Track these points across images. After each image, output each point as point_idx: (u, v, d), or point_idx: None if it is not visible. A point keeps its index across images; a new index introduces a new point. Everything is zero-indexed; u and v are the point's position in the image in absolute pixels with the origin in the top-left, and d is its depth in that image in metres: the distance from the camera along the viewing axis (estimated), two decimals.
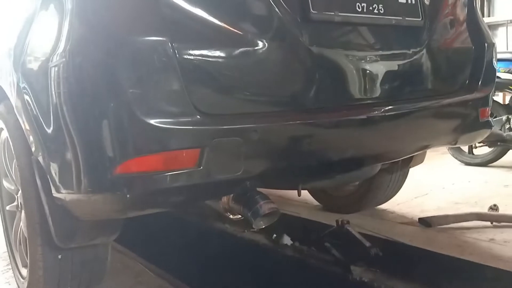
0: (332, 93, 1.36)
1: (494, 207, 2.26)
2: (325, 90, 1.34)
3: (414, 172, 2.52)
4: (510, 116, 3.43)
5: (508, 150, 3.50)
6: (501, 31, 6.25)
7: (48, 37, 1.21)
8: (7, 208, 1.82)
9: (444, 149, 3.88)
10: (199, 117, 1.11)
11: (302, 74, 1.31)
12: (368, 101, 1.42)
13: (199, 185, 1.14)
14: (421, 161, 2.34)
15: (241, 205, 1.30)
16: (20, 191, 1.57)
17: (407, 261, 1.92)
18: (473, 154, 3.76)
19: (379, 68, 1.44)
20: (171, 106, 1.09)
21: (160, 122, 1.06)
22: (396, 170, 2.35)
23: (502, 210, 2.28)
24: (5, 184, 1.83)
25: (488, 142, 3.49)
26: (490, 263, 1.75)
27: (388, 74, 1.47)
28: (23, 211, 1.57)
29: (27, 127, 1.36)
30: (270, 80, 1.26)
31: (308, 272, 2.08)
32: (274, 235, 2.45)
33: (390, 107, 1.45)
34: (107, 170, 1.09)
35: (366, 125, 1.40)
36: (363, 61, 1.41)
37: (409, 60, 1.53)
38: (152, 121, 1.06)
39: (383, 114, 1.41)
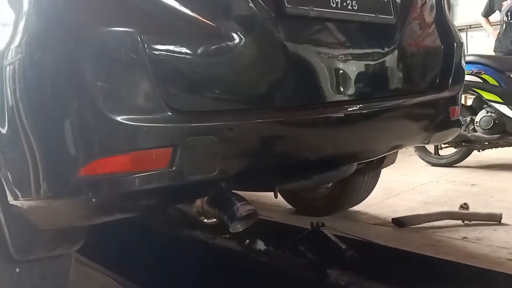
0: (308, 91, 1.32)
1: (464, 206, 2.29)
2: (300, 88, 1.30)
3: (384, 174, 2.52)
4: (473, 117, 3.53)
5: (473, 150, 3.60)
6: (461, 35, 6.47)
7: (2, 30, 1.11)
8: None
9: (411, 150, 3.95)
10: (170, 114, 1.03)
11: (278, 70, 1.27)
12: (343, 99, 1.39)
13: (172, 187, 1.06)
14: (393, 161, 2.35)
15: (217, 208, 1.22)
16: None
17: (384, 262, 1.90)
18: (439, 155, 3.84)
19: (353, 66, 1.41)
20: (140, 102, 1.01)
21: (128, 120, 0.98)
22: (369, 171, 2.35)
23: (472, 209, 2.31)
24: None
25: (454, 143, 3.58)
26: (465, 262, 1.75)
27: (362, 72, 1.45)
28: None
29: None
30: (245, 76, 1.20)
31: (283, 278, 2.03)
32: (247, 241, 2.39)
33: (363, 105, 1.42)
34: (70, 173, 0.99)
35: (341, 123, 1.37)
36: (338, 58, 1.38)
37: (382, 58, 1.52)
38: (119, 118, 0.97)
39: (357, 112, 1.39)
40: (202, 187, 1.16)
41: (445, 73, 1.76)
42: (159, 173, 1.03)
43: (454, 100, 1.77)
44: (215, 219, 1.31)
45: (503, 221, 2.19)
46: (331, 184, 2.61)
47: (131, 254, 2.25)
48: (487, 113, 3.37)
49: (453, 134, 1.85)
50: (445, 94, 1.74)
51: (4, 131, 1.12)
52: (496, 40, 4.47)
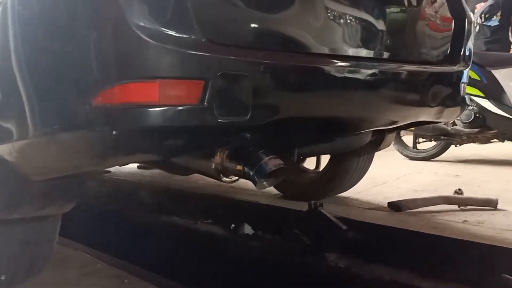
0: (340, 41, 1.21)
1: (459, 192, 2.26)
2: (333, 37, 1.19)
3: None
4: None
5: (451, 145, 3.64)
6: None
7: None
8: None
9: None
10: (203, 41, 0.89)
11: (316, 16, 1.15)
12: (373, 56, 1.31)
13: (201, 128, 0.91)
14: (389, 144, 2.29)
15: (241, 163, 1.07)
16: None
17: (388, 243, 1.81)
18: (417, 149, 3.87)
19: (387, 24, 1.34)
20: (171, 21, 0.86)
21: (156, 38, 0.82)
22: (364, 153, 2.28)
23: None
24: None
25: (433, 136, 3.61)
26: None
27: (394, 32, 1.39)
28: None
29: None
30: (283, 17, 1.08)
31: (275, 263, 1.90)
32: (233, 225, 2.25)
33: (391, 66, 1.34)
34: (83, 100, 0.82)
35: (368, 81, 1.28)
36: (373, 14, 1.29)
37: (407, 19, 1.45)
38: (145, 35, 0.81)
39: (386, 71, 1.31)
40: (231, 133, 1.02)
41: (456, 47, 1.73)
42: (188, 109, 0.88)
43: (463, 76, 1.74)
44: (235, 177, 1.16)
45: (498, 207, 2.17)
46: (322, 168, 2.54)
47: (110, 235, 2.06)
48: (468, 107, 3.41)
49: (460, 112, 1.82)
50: (456, 68, 1.70)
51: None
52: None
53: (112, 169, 3.57)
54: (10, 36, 0.93)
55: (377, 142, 2.16)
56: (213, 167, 1.09)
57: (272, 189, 2.74)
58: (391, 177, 3.08)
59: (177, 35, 0.86)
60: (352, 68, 1.20)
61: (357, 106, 1.24)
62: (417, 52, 1.58)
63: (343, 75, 1.19)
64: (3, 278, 1.21)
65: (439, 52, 1.70)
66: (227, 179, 1.14)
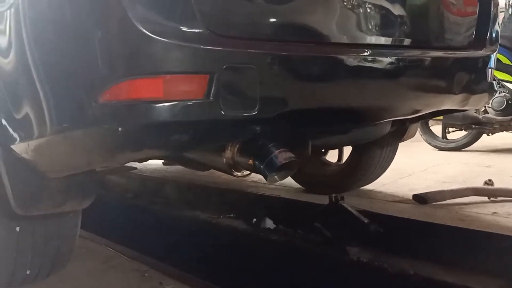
0: (352, 29, 1.18)
1: (489, 182, 2.18)
2: (345, 25, 1.16)
3: None
4: None
5: (483, 133, 3.51)
6: None
7: None
8: None
9: (415, 136, 3.84)
10: (207, 34, 0.88)
11: (325, 4, 1.12)
12: (389, 44, 1.27)
13: (208, 122, 0.91)
14: (413, 134, 2.23)
15: (251, 156, 1.07)
16: None
17: (412, 236, 1.77)
18: (447, 138, 3.74)
19: (401, 9, 1.29)
20: (175, 16, 0.86)
21: (159, 34, 0.83)
22: (387, 144, 2.22)
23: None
24: None
25: (463, 125, 3.48)
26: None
27: (409, 17, 1.34)
28: None
29: None
30: (290, 6, 1.05)
31: (297, 257, 1.89)
32: (254, 219, 2.25)
33: (408, 53, 1.30)
34: (90, 97, 0.83)
35: (384, 70, 1.23)
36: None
37: (428, 3, 1.39)
38: (149, 31, 0.81)
39: (402, 59, 1.26)
40: (238, 127, 1.02)
41: (482, 31, 1.65)
42: (194, 104, 0.88)
43: (490, 60, 1.66)
44: (247, 171, 1.15)
45: None
46: (344, 160, 2.50)
47: (134, 230, 2.11)
48: (500, 93, 3.27)
49: (487, 99, 1.74)
50: (482, 52, 1.63)
51: (8, 58, 0.95)
52: (502, 24, 4.40)
53: (138, 166, 3.65)
54: (24, 37, 0.95)
55: (400, 132, 2.11)
56: (224, 161, 1.09)
57: (294, 183, 2.73)
58: (418, 169, 2.99)
59: (180, 29, 0.86)
60: (365, 56, 1.17)
61: (373, 96, 1.21)
62: (439, 37, 1.53)
63: (355, 64, 1.16)
64: (28, 272, 1.26)
65: (463, 36, 1.63)
66: (239, 174, 1.14)
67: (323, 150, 2.55)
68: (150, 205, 2.74)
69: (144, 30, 0.82)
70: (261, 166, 1.05)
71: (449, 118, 3.52)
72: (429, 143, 3.79)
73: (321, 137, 1.35)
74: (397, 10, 1.31)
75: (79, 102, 0.87)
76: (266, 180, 1.08)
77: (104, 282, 1.43)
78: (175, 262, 1.62)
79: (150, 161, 3.48)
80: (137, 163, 3.57)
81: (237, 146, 1.08)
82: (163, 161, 3.44)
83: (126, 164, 3.36)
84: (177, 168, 3.61)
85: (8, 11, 0.98)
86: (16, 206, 1.09)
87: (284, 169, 1.07)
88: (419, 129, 3.80)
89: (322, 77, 1.09)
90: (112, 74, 0.83)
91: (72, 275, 1.43)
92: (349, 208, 1.97)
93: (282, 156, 1.05)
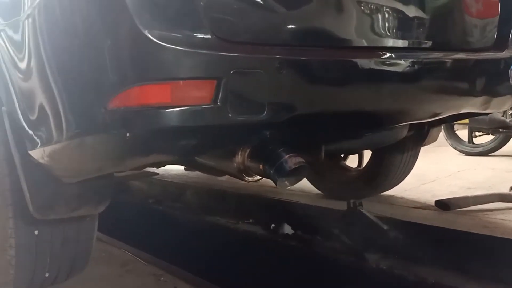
0: (364, 32, 1.16)
1: None
2: (356, 28, 1.15)
3: None
4: None
5: (511, 138, 3.38)
6: None
7: None
8: None
9: (441, 140, 3.75)
10: (214, 40, 0.89)
11: (334, 7, 1.11)
12: (402, 46, 1.24)
13: (215, 127, 0.92)
14: (435, 139, 2.17)
15: (261, 162, 1.06)
16: None
17: (432, 243, 1.72)
18: (473, 143, 3.63)
19: (414, 11, 1.26)
20: (181, 22, 0.87)
21: (166, 41, 0.84)
22: (408, 149, 2.17)
23: None
24: None
25: (490, 129, 3.37)
26: None
27: (423, 18, 1.30)
28: None
29: None
30: (298, 10, 1.05)
31: (315, 264, 1.87)
32: (273, 225, 2.24)
33: (424, 55, 1.27)
34: (99, 104, 0.85)
35: (399, 72, 1.21)
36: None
37: (445, 5, 1.36)
38: (156, 38, 0.83)
39: (417, 61, 1.23)
40: (246, 132, 1.02)
41: (504, 31, 1.60)
42: (201, 109, 0.88)
43: None
44: (258, 177, 1.15)
45: None
46: (363, 165, 2.46)
47: (152, 234, 2.13)
48: None
49: (511, 102, 1.68)
50: (504, 54, 1.58)
51: (22, 65, 0.99)
52: None
53: (160, 171, 3.71)
54: (41, 46, 0.99)
55: (421, 137, 2.06)
56: (234, 166, 1.09)
57: (313, 189, 2.70)
58: (442, 174, 2.92)
59: (187, 35, 0.87)
60: (379, 60, 1.15)
61: (387, 100, 1.18)
62: (459, 38, 1.49)
63: (368, 68, 1.14)
64: (47, 275, 1.30)
65: (484, 37, 1.58)
66: (250, 179, 1.14)
67: (342, 155, 2.53)
68: (170, 210, 2.78)
69: (152, 37, 0.83)
70: (271, 171, 1.04)
71: (475, 122, 3.42)
72: (455, 148, 3.69)
73: (334, 142, 1.33)
74: (413, 11, 1.28)
75: (90, 109, 0.89)
76: (276, 185, 1.07)
77: (119, 285, 1.45)
78: (191, 267, 1.63)
79: (172, 167, 3.54)
80: (158, 168, 3.63)
81: (248, 151, 1.08)
82: (184, 166, 3.49)
83: (147, 170, 3.43)
84: (198, 173, 3.63)
85: (26, 20, 1.02)
86: (34, 210, 1.12)
87: (294, 174, 1.06)
88: (444, 133, 3.71)
89: (332, 82, 1.08)
90: (121, 80, 0.85)
91: (90, 278, 1.46)
92: (368, 214, 1.93)
93: (292, 161, 1.04)
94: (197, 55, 0.87)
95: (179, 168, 3.60)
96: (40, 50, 0.99)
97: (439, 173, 2.95)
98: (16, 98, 1.06)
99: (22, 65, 1.05)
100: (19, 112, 1.06)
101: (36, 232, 1.21)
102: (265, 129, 1.05)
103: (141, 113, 0.86)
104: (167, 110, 0.86)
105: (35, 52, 1.00)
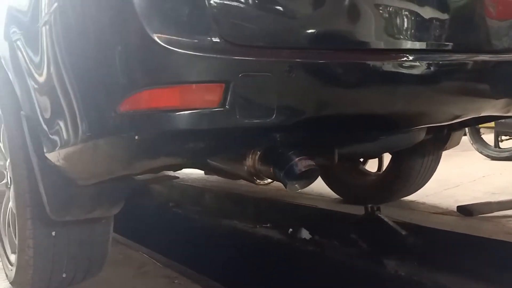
0: (377, 33, 1.14)
1: None
2: (368, 28, 1.13)
3: (438, 167, 2.29)
4: None
5: None
6: None
7: None
8: None
9: (466, 145, 3.65)
10: (222, 44, 0.89)
11: (345, 8, 1.10)
12: (419, 48, 1.21)
13: (223, 130, 0.92)
14: (457, 142, 2.11)
15: (271, 165, 1.06)
16: (8, 161, 1.35)
17: (452, 250, 1.67)
18: (499, 147, 3.52)
19: (431, 10, 1.23)
20: (189, 26, 0.88)
21: (174, 45, 0.85)
22: (428, 153, 2.12)
23: None
24: None
25: None
26: None
27: (440, 18, 1.26)
28: (12, 186, 1.35)
29: (15, 77, 1.16)
30: (307, 12, 1.04)
31: (332, 269, 1.85)
32: (290, 230, 2.23)
33: (440, 56, 1.23)
34: (109, 107, 0.87)
35: (415, 74, 1.18)
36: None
37: (466, 6, 1.32)
38: (165, 43, 0.84)
39: (433, 63, 1.20)
40: (256, 135, 1.01)
41: None
42: (210, 113, 0.89)
43: None
44: (269, 180, 1.15)
45: None
46: (384, 169, 2.42)
47: (170, 237, 2.15)
48: None
49: None
50: None
51: (39, 71, 1.02)
52: None
53: (180, 175, 3.75)
54: (57, 51, 1.02)
55: (441, 140, 2.01)
56: (245, 169, 1.09)
57: (332, 194, 2.68)
58: (466, 179, 2.84)
59: (195, 39, 0.88)
60: (396, 62, 1.12)
61: (402, 103, 1.15)
62: (478, 40, 1.44)
63: (381, 70, 1.12)
64: (64, 275, 1.33)
65: (506, 39, 1.53)
66: (262, 182, 1.13)
67: (361, 160, 2.49)
68: (189, 213, 2.80)
69: (160, 42, 0.84)
70: (281, 174, 1.04)
71: (501, 125, 3.32)
72: (481, 152, 3.58)
73: (347, 145, 1.31)
74: (427, 12, 1.25)
75: (102, 113, 0.91)
76: (286, 188, 1.06)
77: (132, 287, 1.47)
78: (205, 270, 1.64)
79: (192, 171, 3.57)
80: (177, 172, 3.67)
81: (258, 154, 1.08)
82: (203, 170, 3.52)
83: (168, 174, 3.47)
84: (217, 178, 3.66)
85: (44, 27, 1.05)
86: (50, 212, 1.15)
87: (304, 177, 1.05)
88: (469, 137, 3.61)
89: (344, 84, 1.06)
90: (130, 84, 0.86)
91: (105, 279, 1.49)
92: (385, 219, 1.90)
93: (302, 163, 1.03)
94: (204, 59, 0.88)
95: (199, 172, 3.63)
96: (57, 55, 1.01)
97: (463, 178, 2.87)
98: (35, 103, 1.10)
99: (41, 70, 1.08)
100: (38, 115, 1.09)
101: (53, 233, 1.24)
102: (275, 132, 1.05)
103: (150, 116, 0.87)
104: (175, 114, 0.87)
105: (52, 58, 1.03)
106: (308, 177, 1.05)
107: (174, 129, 0.87)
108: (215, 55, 0.88)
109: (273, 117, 0.95)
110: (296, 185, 1.06)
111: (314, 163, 1.03)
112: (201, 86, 0.88)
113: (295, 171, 1.01)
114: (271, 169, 1.06)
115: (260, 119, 0.94)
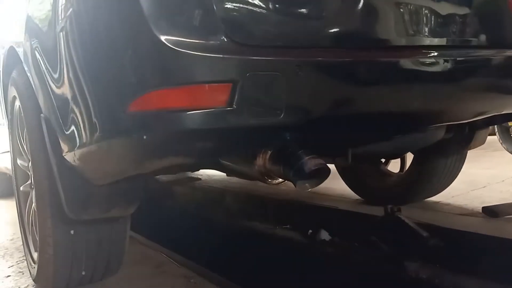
0: (389, 30, 1.12)
1: None
2: (380, 25, 1.11)
3: (465, 168, 2.22)
4: None
5: None
6: None
7: None
8: (21, 189, 1.66)
9: (496, 144, 3.52)
10: (230, 44, 0.90)
11: (355, 5, 1.08)
12: (434, 44, 1.18)
13: (232, 130, 0.93)
14: (483, 141, 2.04)
15: (281, 164, 1.06)
16: (30, 162, 1.40)
17: (476, 252, 1.62)
18: None
19: (445, 5, 1.19)
20: (198, 28, 0.89)
21: (182, 46, 0.86)
22: (453, 152, 2.06)
23: None
24: (20, 162, 1.68)
25: None
26: None
27: (455, 14, 1.23)
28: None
29: (36, 82, 1.21)
30: (316, 10, 1.03)
31: (352, 272, 1.82)
32: (310, 231, 2.21)
33: (456, 52, 1.20)
34: (120, 108, 0.89)
35: (439, 70, 1.15)
36: None
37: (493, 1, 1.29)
38: (172, 44, 0.85)
39: (449, 59, 1.16)
40: (264, 134, 1.01)
41: None
42: (217, 112, 0.90)
43: None
44: (280, 179, 1.14)
45: None
46: (406, 169, 2.36)
47: (190, 238, 2.17)
48: None
49: None
50: None
51: (56, 74, 1.06)
52: None
53: (202, 176, 3.79)
54: (73, 54, 1.05)
55: (465, 139, 1.95)
56: (256, 169, 1.09)
57: (354, 195, 2.64)
58: (494, 180, 2.74)
59: (203, 40, 0.89)
60: (412, 60, 1.10)
61: (419, 101, 1.12)
62: (499, 35, 1.40)
63: (397, 69, 1.10)
64: (83, 273, 1.37)
65: None
66: (273, 182, 1.13)
67: (382, 160, 2.45)
68: (209, 214, 2.82)
69: (168, 43, 0.86)
70: (291, 173, 1.03)
71: None
72: (511, 152, 3.45)
73: (361, 145, 1.29)
74: (449, 8, 1.22)
75: (114, 113, 0.93)
76: (296, 187, 1.06)
77: (149, 286, 1.49)
78: (223, 271, 1.64)
79: (214, 172, 3.60)
80: (200, 174, 3.70)
81: (268, 153, 1.08)
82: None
83: (190, 175, 3.50)
84: (239, 179, 3.68)
85: (61, 33, 1.09)
86: (68, 211, 1.19)
87: (314, 176, 1.04)
88: (498, 136, 3.48)
89: (356, 83, 1.05)
90: (139, 86, 0.88)
91: (122, 277, 1.52)
92: (406, 220, 1.85)
93: (312, 162, 1.02)
94: (212, 59, 0.88)
95: (221, 174, 3.66)
96: (73, 58, 1.05)
97: (491, 178, 2.78)
98: (54, 105, 1.14)
99: (58, 74, 1.11)
100: (58, 116, 1.13)
101: (72, 232, 1.28)
102: (285, 131, 1.05)
103: (158, 116, 0.88)
104: (183, 113, 0.88)
105: (69, 61, 1.06)
106: (318, 176, 1.04)
107: (182, 129, 0.88)
108: (222, 55, 0.89)
109: (281, 116, 0.95)
110: (306, 184, 1.06)
111: (324, 162, 1.02)
112: (209, 86, 0.89)
113: (305, 170, 1.01)
114: (281, 168, 1.05)
115: (268, 118, 0.94)
